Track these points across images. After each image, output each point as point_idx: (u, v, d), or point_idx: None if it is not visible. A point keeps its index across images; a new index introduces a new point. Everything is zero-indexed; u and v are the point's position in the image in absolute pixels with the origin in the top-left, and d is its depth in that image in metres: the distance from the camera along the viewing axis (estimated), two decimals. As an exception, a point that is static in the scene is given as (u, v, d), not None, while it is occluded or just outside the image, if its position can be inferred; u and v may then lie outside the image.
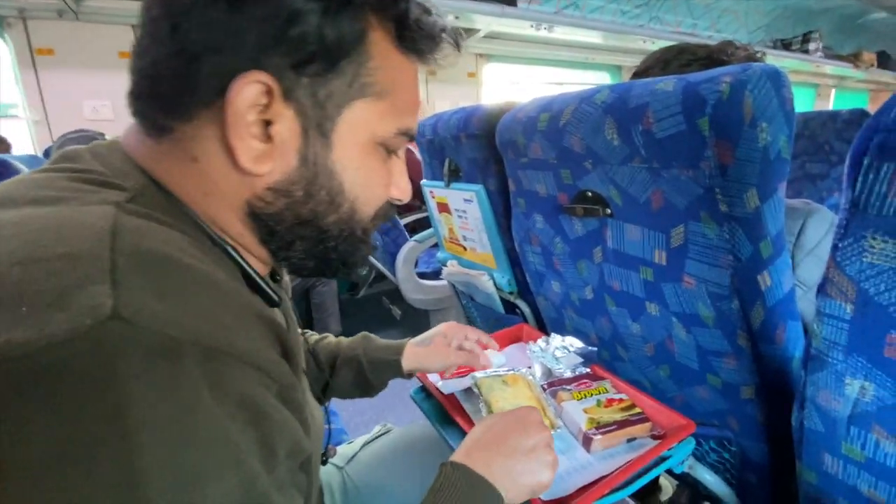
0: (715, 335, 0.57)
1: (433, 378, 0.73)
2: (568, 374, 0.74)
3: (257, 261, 0.38)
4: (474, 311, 1.27)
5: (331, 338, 0.73)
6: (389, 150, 0.38)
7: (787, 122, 0.48)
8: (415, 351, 0.68)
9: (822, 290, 0.38)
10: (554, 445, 0.48)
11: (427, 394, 0.71)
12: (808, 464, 0.53)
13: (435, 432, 0.68)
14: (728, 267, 0.51)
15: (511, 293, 1.05)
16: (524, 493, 0.43)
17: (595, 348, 0.77)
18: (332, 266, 0.39)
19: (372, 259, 1.83)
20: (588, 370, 0.76)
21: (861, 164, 0.31)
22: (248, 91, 0.29)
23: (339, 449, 0.77)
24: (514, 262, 0.98)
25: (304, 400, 0.34)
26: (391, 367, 0.67)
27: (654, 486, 1.07)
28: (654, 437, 0.62)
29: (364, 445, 0.77)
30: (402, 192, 0.41)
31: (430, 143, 1.04)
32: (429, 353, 0.68)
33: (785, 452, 0.58)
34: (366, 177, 0.36)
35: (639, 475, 0.55)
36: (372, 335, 0.72)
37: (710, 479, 0.65)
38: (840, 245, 0.35)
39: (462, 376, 0.76)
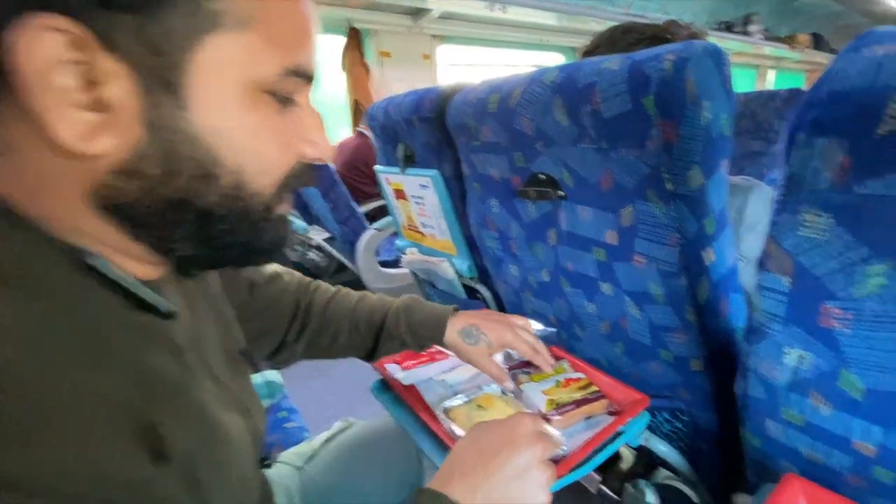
0: (665, 312, 0.59)
1: (393, 368, 0.72)
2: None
3: (137, 262, 0.30)
4: (436, 298, 1.26)
5: (370, 298, 0.66)
6: (283, 99, 0.29)
7: (728, 100, 0.48)
8: (451, 341, 0.62)
9: (761, 264, 0.39)
10: (551, 449, 0.42)
11: (388, 386, 0.70)
12: (752, 429, 0.56)
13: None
14: (675, 245, 0.52)
15: (472, 278, 1.04)
16: None
17: (554, 329, 0.78)
18: (234, 255, 0.32)
19: (331, 249, 1.78)
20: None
21: (796, 139, 0.32)
22: (42, 45, 0.22)
23: (298, 448, 0.75)
24: (474, 248, 0.97)
25: (172, 486, 0.27)
26: (434, 341, 0.63)
27: (615, 455, 1.11)
28: (611, 414, 0.64)
29: (325, 443, 0.75)
30: (318, 148, 0.32)
31: (383, 128, 1.00)
32: (460, 351, 0.62)
33: (732, 419, 0.61)
34: (249, 138, 0.28)
35: (596, 452, 0.56)
36: (413, 306, 0.65)
37: (664, 449, 0.67)
38: (777, 220, 0.36)
39: (425, 365, 0.75)
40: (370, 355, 0.67)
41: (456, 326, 0.62)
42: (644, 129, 0.47)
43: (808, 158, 0.32)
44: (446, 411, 0.61)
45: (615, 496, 0.88)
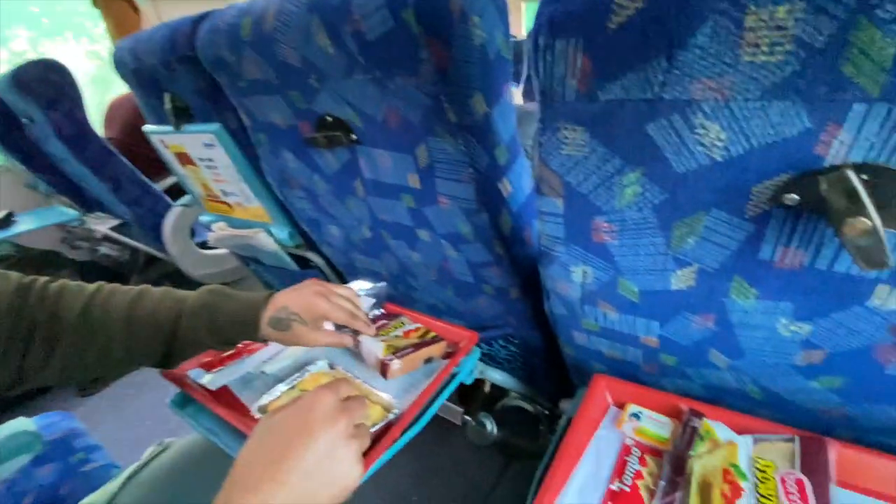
0: (477, 248, 0.57)
1: (196, 374, 0.59)
2: None
3: None
4: (267, 275, 1.12)
5: (150, 296, 0.52)
6: None
7: (501, 17, 0.45)
8: (272, 335, 0.53)
9: (537, 189, 0.38)
10: (361, 415, 0.38)
11: (191, 398, 0.58)
12: (564, 340, 0.60)
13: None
14: (471, 180, 0.49)
15: (298, 247, 0.93)
16: None
17: (384, 284, 0.73)
18: None
19: (126, 239, 1.44)
20: (382, 311, 0.72)
21: (538, 44, 0.29)
22: None
23: (92, 497, 0.59)
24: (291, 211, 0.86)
25: None
26: (247, 339, 0.53)
27: (477, 384, 1.18)
28: (448, 356, 0.63)
29: (129, 478, 0.61)
30: None
31: (137, 74, 0.78)
32: (287, 340, 0.54)
33: (552, 335, 0.65)
34: None
35: (432, 401, 0.54)
36: (214, 303, 0.53)
37: (498, 377, 0.70)
38: (542, 141, 0.34)
39: (241, 359, 0.64)
40: (164, 363, 0.54)
41: (268, 316, 0.53)
42: (413, 51, 0.41)
43: (552, 66, 0.29)
44: (263, 409, 0.52)
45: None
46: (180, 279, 1.65)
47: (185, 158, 0.86)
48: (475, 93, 0.44)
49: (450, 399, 1.00)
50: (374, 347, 0.59)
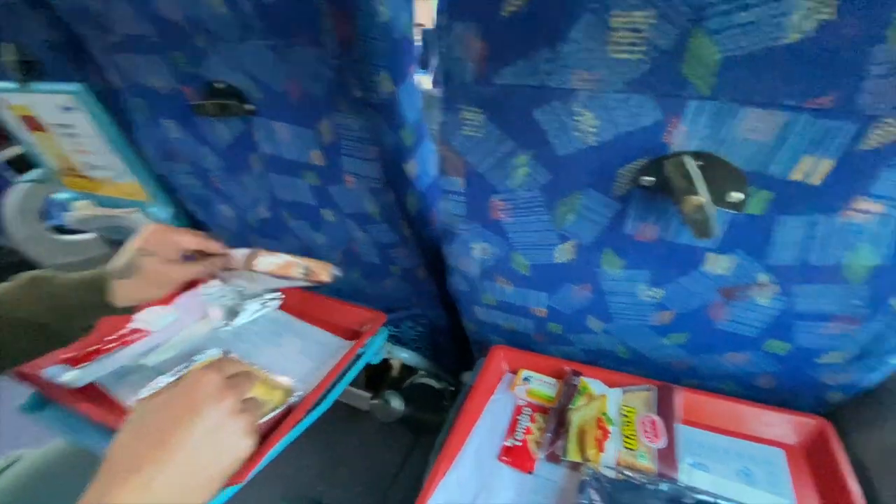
0: (384, 229, 0.58)
1: (55, 371, 0.51)
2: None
3: None
4: (146, 259, 0.99)
5: None
6: None
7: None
8: (126, 289, 0.47)
9: (440, 168, 0.40)
10: (248, 390, 0.37)
11: (48, 400, 0.50)
12: (466, 317, 0.63)
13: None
14: (377, 159, 0.49)
15: (184, 228, 0.84)
16: (219, 482, 0.33)
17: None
18: None
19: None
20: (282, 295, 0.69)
21: (439, 25, 0.30)
22: None
23: None
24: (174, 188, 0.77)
25: None
26: (99, 313, 0.47)
27: (385, 367, 1.18)
28: (354, 337, 0.61)
29: (-34, 501, 0.51)
30: None
31: (-38, 16, 0.63)
32: (144, 286, 0.48)
33: (456, 312, 0.68)
34: None
35: (336, 383, 0.54)
36: (45, 276, 0.46)
37: (405, 355, 0.72)
38: (444, 121, 0.36)
39: (113, 352, 0.57)
40: None
41: (115, 271, 0.47)
42: (313, 17, 0.40)
43: (452, 47, 0.31)
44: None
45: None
46: (22, 268, 1.38)
47: (33, 123, 0.73)
48: (381, 70, 0.45)
49: (357, 385, 1.00)
50: (243, 250, 0.53)
